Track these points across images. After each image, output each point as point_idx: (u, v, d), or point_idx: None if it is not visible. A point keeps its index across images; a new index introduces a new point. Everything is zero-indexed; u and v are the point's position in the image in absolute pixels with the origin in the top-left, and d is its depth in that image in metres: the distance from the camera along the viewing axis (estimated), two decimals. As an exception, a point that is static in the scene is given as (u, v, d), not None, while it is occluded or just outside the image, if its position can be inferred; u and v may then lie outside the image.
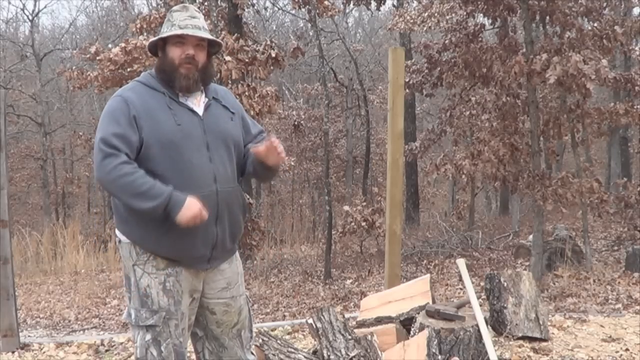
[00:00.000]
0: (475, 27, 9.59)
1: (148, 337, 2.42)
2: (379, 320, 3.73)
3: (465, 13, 9.62)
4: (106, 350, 4.61)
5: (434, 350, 3.23)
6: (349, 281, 9.97)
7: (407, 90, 9.83)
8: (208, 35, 2.49)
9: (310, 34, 15.91)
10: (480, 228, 13.89)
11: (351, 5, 11.80)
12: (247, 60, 9.18)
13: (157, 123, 2.38)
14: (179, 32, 2.43)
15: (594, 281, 7.90)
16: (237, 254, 2.71)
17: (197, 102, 2.51)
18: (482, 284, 6.27)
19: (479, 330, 3.36)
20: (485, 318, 3.49)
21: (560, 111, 8.89)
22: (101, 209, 20.17)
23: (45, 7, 40.18)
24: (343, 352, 3.16)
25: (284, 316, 7.99)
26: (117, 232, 2.52)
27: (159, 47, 2.52)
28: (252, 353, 2.73)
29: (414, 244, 12.25)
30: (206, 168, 2.43)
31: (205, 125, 2.47)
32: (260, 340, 3.29)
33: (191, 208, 2.30)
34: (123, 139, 2.34)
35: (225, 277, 2.60)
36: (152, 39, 2.55)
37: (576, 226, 11.71)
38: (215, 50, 2.61)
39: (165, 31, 2.47)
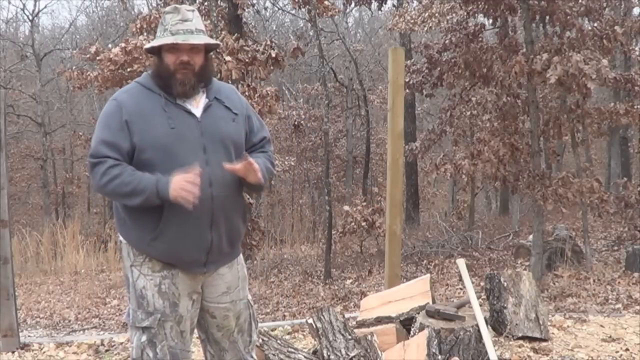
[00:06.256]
0: (476, 27, 9.60)
1: (144, 338, 2.43)
2: (379, 320, 3.73)
3: (465, 13, 9.63)
4: (106, 350, 4.61)
5: (434, 350, 3.23)
6: (349, 281, 9.96)
7: (407, 90, 9.82)
8: (200, 40, 2.43)
9: (310, 34, 15.92)
10: (480, 228, 13.87)
11: (352, 5, 11.80)
12: (247, 60, 9.16)
13: (150, 127, 2.36)
14: (170, 40, 2.39)
15: (594, 281, 7.89)
16: (241, 258, 2.66)
17: (196, 104, 2.46)
18: (482, 284, 6.27)
19: (479, 330, 3.36)
20: (485, 318, 3.49)
21: (560, 111, 8.89)
22: (101, 209, 20.18)
23: (45, 7, 40.22)
24: (343, 352, 3.16)
25: (284, 316, 7.98)
26: (118, 232, 2.54)
27: (155, 51, 2.48)
28: (252, 356, 2.71)
29: (414, 244, 12.23)
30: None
31: (202, 127, 2.42)
32: (260, 340, 3.29)
33: (177, 184, 2.26)
34: (112, 146, 2.34)
35: (226, 282, 2.57)
36: (146, 45, 2.52)
37: (576, 226, 11.70)
38: (213, 48, 2.56)
39: (159, 36, 2.44)
